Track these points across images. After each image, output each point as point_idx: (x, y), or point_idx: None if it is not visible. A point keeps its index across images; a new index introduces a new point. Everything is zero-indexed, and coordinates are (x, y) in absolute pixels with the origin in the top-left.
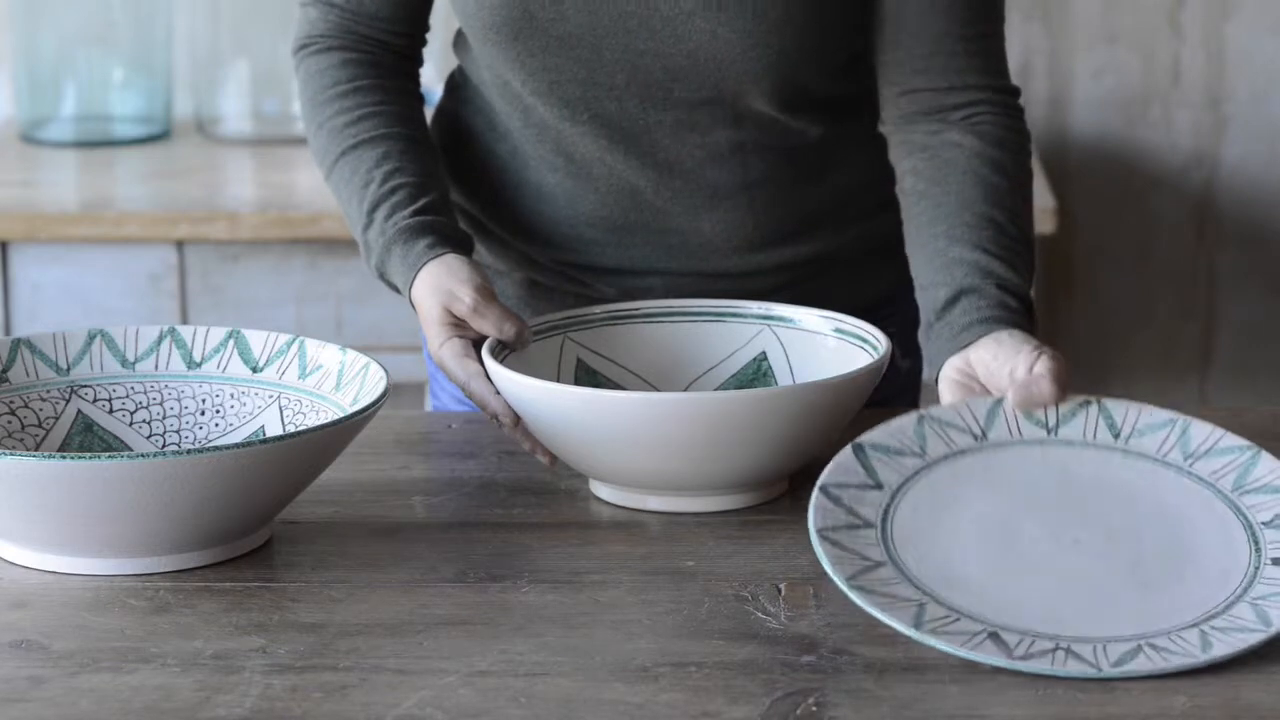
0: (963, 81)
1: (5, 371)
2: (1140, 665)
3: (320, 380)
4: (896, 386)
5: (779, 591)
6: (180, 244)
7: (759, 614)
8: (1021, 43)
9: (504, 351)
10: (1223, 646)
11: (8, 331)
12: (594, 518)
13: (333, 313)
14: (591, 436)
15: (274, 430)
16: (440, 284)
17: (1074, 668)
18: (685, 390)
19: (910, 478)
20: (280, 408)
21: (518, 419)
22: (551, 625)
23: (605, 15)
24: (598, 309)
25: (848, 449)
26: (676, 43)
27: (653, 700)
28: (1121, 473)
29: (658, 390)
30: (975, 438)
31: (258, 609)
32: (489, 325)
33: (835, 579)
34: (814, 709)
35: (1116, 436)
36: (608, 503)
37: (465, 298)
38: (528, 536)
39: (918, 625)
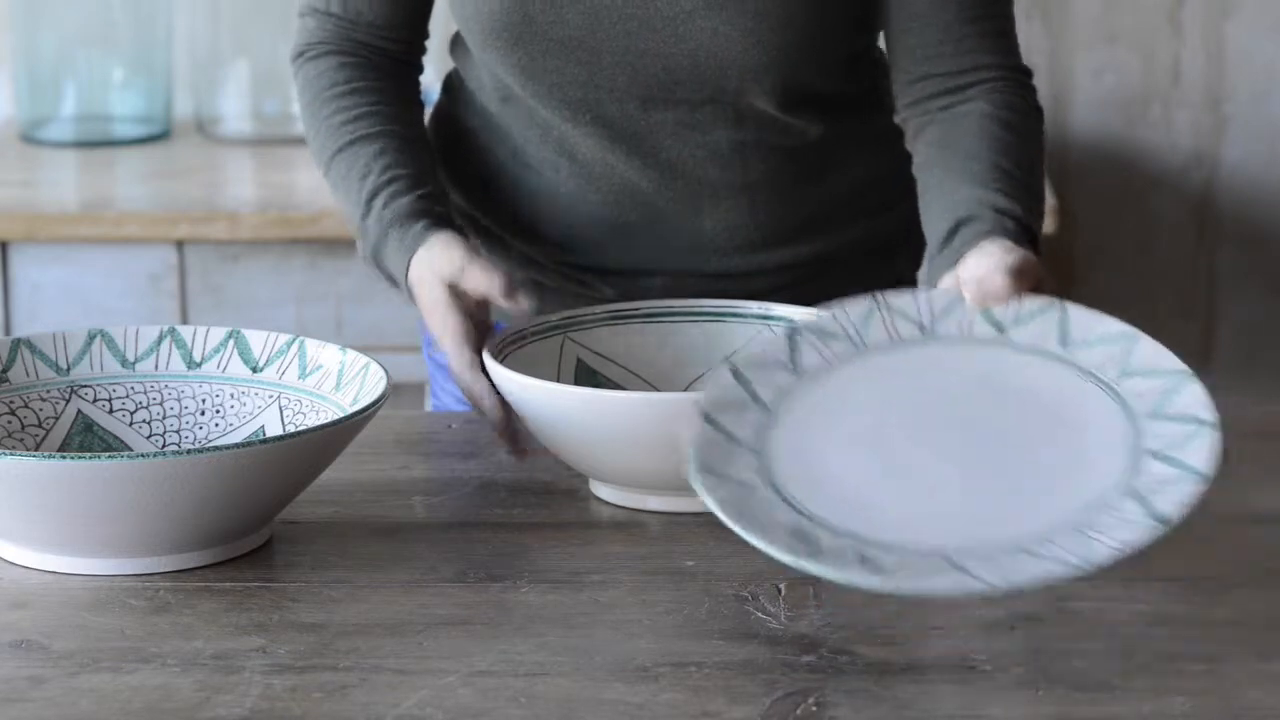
0: (974, 63)
1: (5, 371)
2: (1030, 569)
3: (320, 380)
4: None
5: (779, 591)
6: (180, 244)
7: (759, 614)
8: (1021, 43)
9: (504, 352)
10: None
11: (8, 331)
12: (594, 518)
13: (333, 313)
14: (591, 436)
15: (274, 430)
16: (434, 256)
17: (961, 582)
18: (685, 390)
19: (826, 371)
20: (280, 408)
21: (508, 422)
22: (551, 625)
23: (605, 17)
24: (598, 309)
25: (781, 331)
26: (677, 42)
27: (653, 700)
28: (1045, 382)
29: (658, 390)
30: (921, 329)
31: (258, 609)
32: (477, 275)
33: (708, 501)
34: (814, 709)
35: (1065, 345)
36: (608, 503)
37: (456, 257)
38: (528, 536)
39: (794, 551)
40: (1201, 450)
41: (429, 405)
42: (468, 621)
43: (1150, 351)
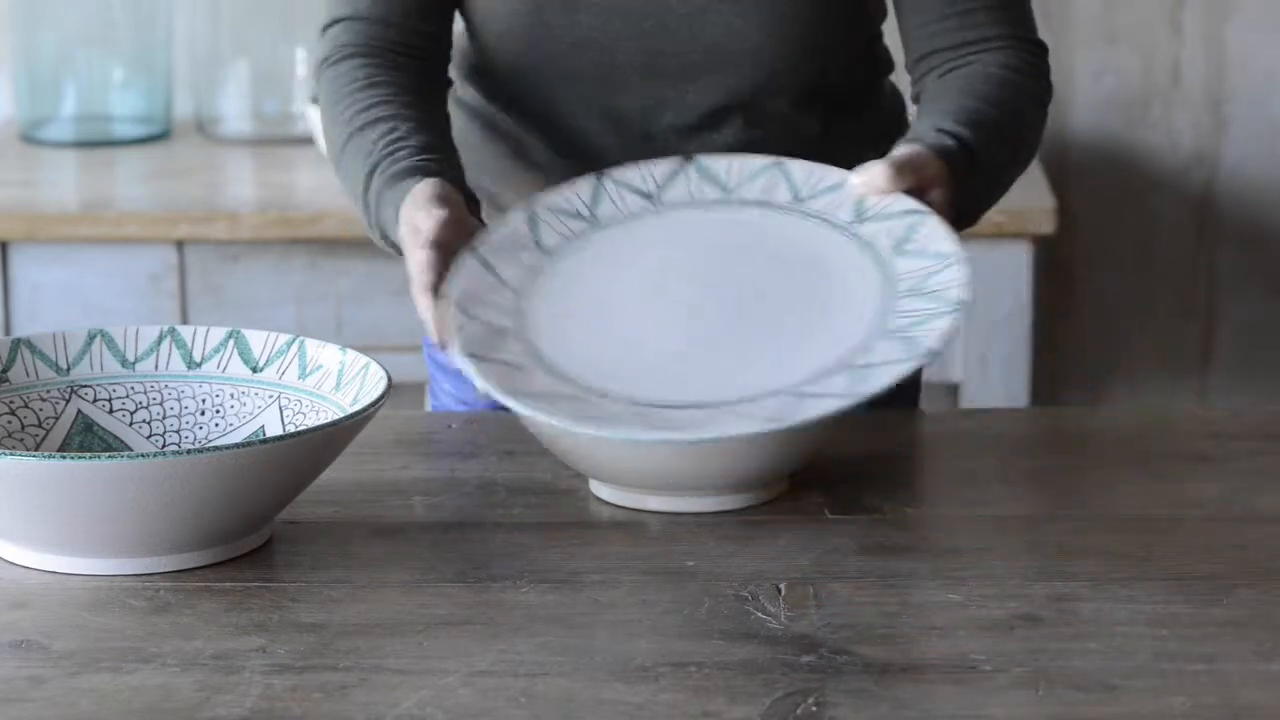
0: (979, 35)
1: (5, 371)
2: (726, 425)
3: (320, 380)
4: (897, 388)
5: (779, 591)
6: (180, 244)
7: (759, 614)
8: None
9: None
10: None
11: (8, 331)
12: (594, 518)
13: (333, 313)
14: (592, 436)
15: (274, 430)
16: (415, 191)
17: (656, 435)
18: None
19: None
20: (280, 408)
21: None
22: (551, 625)
23: (619, 17)
24: None
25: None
26: (692, 39)
27: (653, 700)
28: (850, 283)
29: None
30: (795, 197)
31: (258, 609)
32: (415, 211)
33: (478, 379)
34: (814, 709)
35: (896, 250)
36: (608, 503)
37: (428, 189)
38: (528, 536)
39: (514, 391)
40: (936, 330)
41: (429, 405)
42: (468, 621)
43: (965, 278)
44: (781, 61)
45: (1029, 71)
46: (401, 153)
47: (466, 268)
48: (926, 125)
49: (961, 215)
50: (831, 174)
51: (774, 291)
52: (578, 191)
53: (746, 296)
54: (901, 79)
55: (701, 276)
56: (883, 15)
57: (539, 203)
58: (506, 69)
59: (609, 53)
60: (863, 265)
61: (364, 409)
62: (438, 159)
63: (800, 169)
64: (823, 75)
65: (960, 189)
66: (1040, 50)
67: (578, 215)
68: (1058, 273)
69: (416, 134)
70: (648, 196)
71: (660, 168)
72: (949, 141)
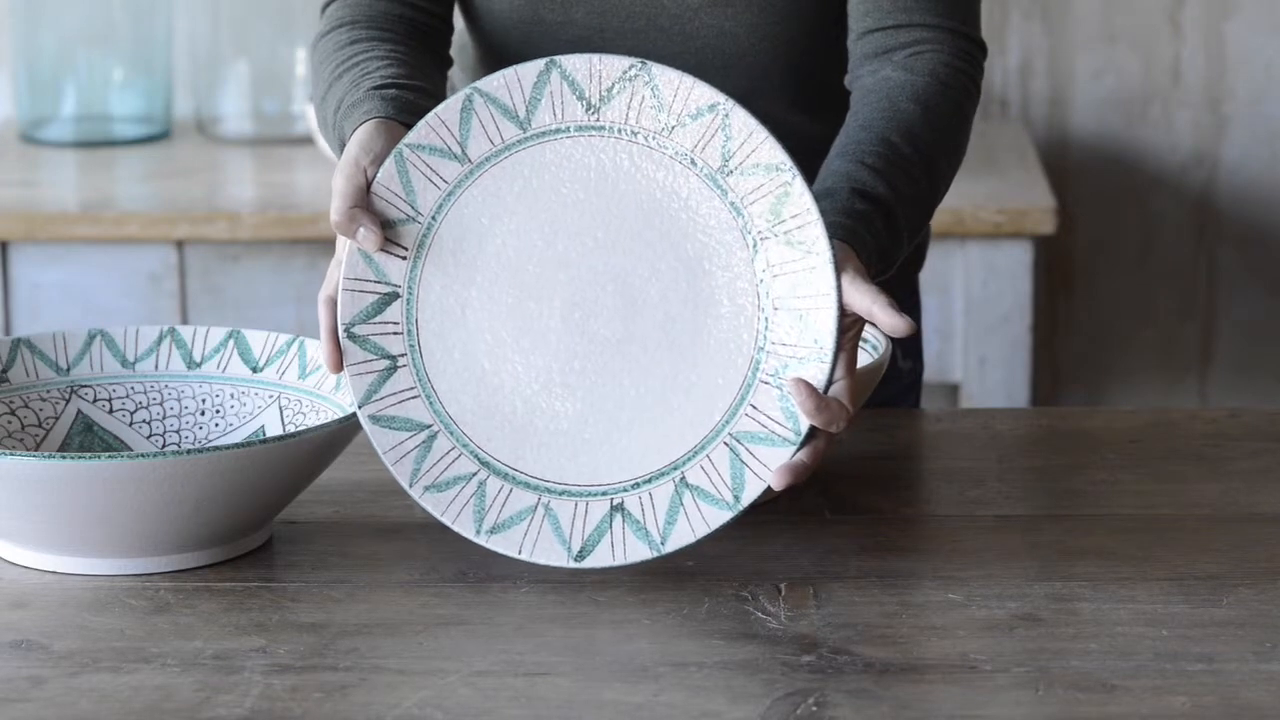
0: (909, 19)
1: (5, 371)
2: (684, 533)
3: (320, 380)
4: (897, 388)
5: (779, 591)
6: (180, 244)
7: (759, 614)
8: (1021, 43)
9: None
10: (755, 476)
11: (8, 331)
12: None
13: None
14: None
15: (274, 430)
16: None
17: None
18: None
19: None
20: (280, 408)
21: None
22: (551, 625)
23: (613, 17)
24: None
25: (461, 96)
26: (685, 41)
27: (653, 700)
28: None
29: None
30: (664, 127)
31: (258, 609)
32: (335, 197)
33: (355, 406)
34: (814, 709)
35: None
36: None
37: (366, 133)
38: None
39: (414, 478)
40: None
41: None
42: (468, 621)
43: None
44: (774, 64)
45: (950, 79)
46: (364, 82)
47: (350, 288)
48: (841, 170)
49: (884, 263)
50: (698, 91)
51: (653, 303)
52: (446, 120)
53: (624, 314)
54: None
55: (580, 271)
56: None
57: (411, 137)
58: (503, 63)
59: (603, 51)
60: (731, 241)
61: None
62: (399, 83)
63: (663, 76)
64: (817, 77)
65: (877, 245)
66: (973, 45)
67: (449, 153)
68: (1058, 273)
69: (388, 68)
70: (517, 121)
71: (528, 72)
72: (862, 205)
